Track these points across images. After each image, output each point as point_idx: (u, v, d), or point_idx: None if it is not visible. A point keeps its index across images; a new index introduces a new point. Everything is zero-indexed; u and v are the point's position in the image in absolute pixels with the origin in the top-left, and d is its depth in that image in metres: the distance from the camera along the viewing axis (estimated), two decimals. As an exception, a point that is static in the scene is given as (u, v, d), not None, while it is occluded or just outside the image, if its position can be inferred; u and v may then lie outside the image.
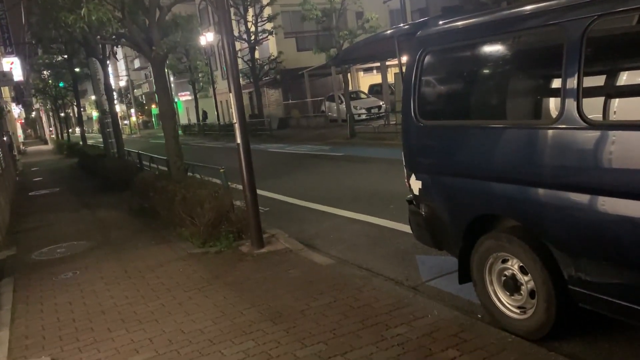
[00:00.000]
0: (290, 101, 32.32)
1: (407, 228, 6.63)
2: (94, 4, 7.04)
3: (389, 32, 4.99)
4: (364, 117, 24.99)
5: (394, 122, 18.74)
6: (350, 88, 22.25)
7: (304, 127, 28.22)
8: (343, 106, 24.60)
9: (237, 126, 6.25)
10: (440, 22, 4.10)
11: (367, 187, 9.94)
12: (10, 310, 5.32)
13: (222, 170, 7.49)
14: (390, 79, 28.44)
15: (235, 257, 6.24)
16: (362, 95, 28.66)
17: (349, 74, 23.52)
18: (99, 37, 10.92)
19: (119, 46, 11.23)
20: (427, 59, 4.16)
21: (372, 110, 25.87)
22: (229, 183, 7.99)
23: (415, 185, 4.35)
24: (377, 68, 30.50)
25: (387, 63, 27.56)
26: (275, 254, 6.20)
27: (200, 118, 40.16)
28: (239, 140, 6.29)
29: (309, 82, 30.47)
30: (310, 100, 30.51)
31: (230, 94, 6.21)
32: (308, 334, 3.97)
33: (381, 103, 26.22)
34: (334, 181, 11.32)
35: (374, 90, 30.01)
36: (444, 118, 4.21)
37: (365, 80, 33.62)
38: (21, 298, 5.69)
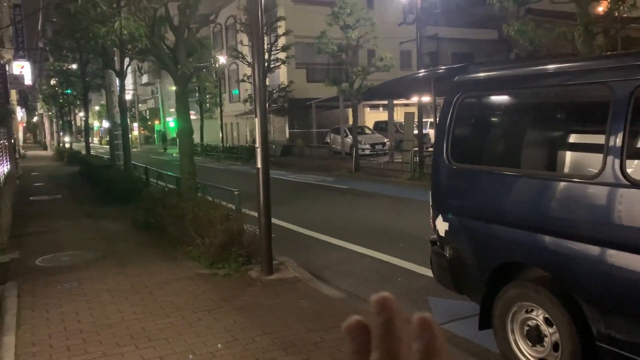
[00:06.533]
0: (295, 129, 32.55)
1: (417, 268, 6.64)
2: (127, 18, 7.16)
3: (422, 73, 5.08)
4: (367, 152, 25.14)
5: (400, 160, 18.85)
6: (356, 123, 22.39)
7: (307, 156, 28.32)
8: (348, 139, 24.78)
9: (259, 150, 6.30)
10: (481, 69, 4.18)
11: (373, 222, 9.94)
12: (16, 315, 5.23)
13: (236, 193, 7.51)
14: (397, 117, 28.77)
15: (244, 282, 6.19)
16: (367, 131, 28.88)
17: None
18: (127, 50, 11.05)
19: (144, 61, 11.32)
20: (464, 103, 4.22)
21: (376, 147, 26.05)
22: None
23: (442, 226, 4.36)
24: (384, 106, 30.88)
25: (395, 102, 27.97)
26: (285, 282, 6.16)
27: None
28: (259, 165, 6.32)
29: (315, 113, 30.77)
30: (315, 130, 30.75)
31: (256, 119, 6.26)
32: (323, 367, 3.92)
33: (385, 140, 26.45)
34: (340, 213, 11.30)
35: (379, 127, 30.32)
36: (478, 162, 4.25)
37: (371, 116, 33.95)
38: (26, 304, 5.59)
